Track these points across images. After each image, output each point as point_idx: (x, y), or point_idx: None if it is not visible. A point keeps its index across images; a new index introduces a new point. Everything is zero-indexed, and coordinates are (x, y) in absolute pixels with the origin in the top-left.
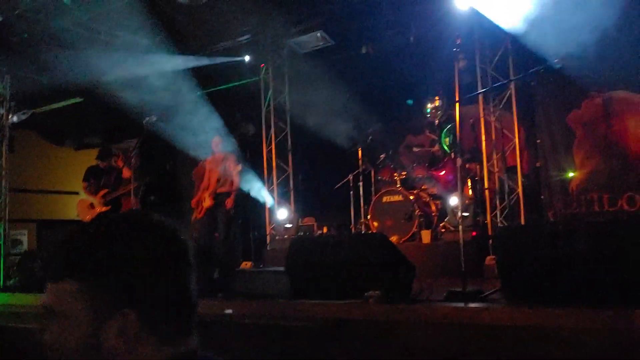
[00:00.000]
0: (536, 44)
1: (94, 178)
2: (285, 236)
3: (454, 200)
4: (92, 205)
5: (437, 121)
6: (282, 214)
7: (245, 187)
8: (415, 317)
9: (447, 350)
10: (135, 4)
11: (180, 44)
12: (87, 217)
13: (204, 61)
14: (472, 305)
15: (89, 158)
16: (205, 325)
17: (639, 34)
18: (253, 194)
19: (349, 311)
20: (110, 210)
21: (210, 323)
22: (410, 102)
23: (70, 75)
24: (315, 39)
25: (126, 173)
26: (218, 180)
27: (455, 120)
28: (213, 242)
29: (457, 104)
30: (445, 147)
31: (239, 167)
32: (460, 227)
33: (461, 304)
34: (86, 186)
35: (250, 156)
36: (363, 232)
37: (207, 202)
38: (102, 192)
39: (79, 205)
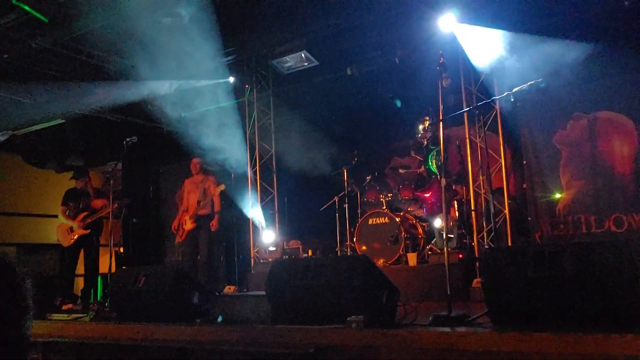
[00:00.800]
0: (517, 66)
1: (72, 201)
2: (270, 259)
3: (440, 223)
4: (71, 230)
5: (425, 142)
6: (267, 236)
7: (236, 207)
8: (399, 343)
9: None
10: (117, 24)
11: (163, 65)
12: (67, 242)
13: (188, 84)
14: (458, 329)
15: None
16: (183, 352)
17: (622, 53)
18: (247, 214)
19: (330, 336)
20: (90, 234)
21: (188, 350)
22: (398, 102)
23: (52, 96)
24: (299, 59)
25: (98, 203)
26: (198, 203)
27: (442, 145)
28: (196, 266)
29: (441, 123)
30: (433, 169)
31: (221, 187)
32: (446, 249)
33: (447, 329)
34: (65, 210)
35: (235, 178)
36: (345, 254)
37: (188, 225)
38: (81, 216)
39: (58, 229)
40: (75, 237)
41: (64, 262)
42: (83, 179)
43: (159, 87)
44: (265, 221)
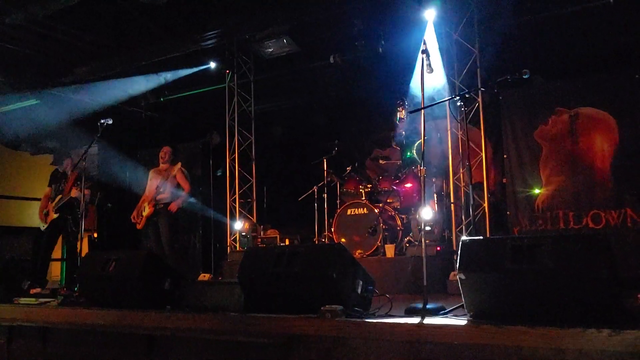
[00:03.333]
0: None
1: (54, 183)
2: (246, 248)
3: (419, 215)
4: (47, 213)
5: (404, 133)
6: (244, 225)
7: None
8: (373, 333)
9: None
10: (94, 3)
11: (142, 49)
12: (44, 225)
13: (169, 75)
14: (431, 321)
15: (46, 163)
16: (152, 339)
17: (606, 49)
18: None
19: (303, 326)
20: (62, 218)
21: (157, 337)
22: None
23: (27, 76)
24: (281, 45)
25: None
26: (157, 188)
27: (423, 134)
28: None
29: (422, 111)
30: (410, 157)
31: (177, 165)
32: (423, 240)
33: (421, 320)
34: (48, 192)
35: (214, 165)
36: (320, 242)
37: (147, 211)
38: (57, 199)
39: (39, 211)
40: (49, 220)
41: (37, 246)
42: (65, 162)
43: (143, 83)
44: (243, 209)
